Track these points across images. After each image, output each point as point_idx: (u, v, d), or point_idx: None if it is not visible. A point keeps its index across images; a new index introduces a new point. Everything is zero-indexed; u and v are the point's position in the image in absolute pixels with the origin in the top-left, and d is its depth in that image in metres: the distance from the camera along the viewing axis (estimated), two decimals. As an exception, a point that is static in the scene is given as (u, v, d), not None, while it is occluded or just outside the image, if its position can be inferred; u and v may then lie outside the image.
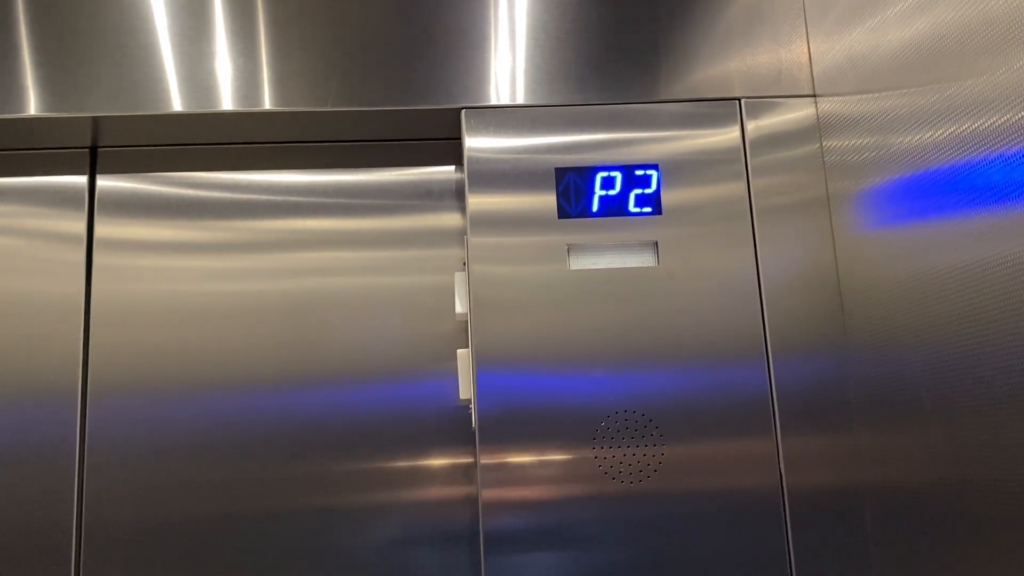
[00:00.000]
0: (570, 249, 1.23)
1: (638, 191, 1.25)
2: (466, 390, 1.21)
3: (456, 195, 1.36)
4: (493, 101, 1.26)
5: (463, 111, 1.26)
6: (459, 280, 1.26)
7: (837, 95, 1.21)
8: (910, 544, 1.07)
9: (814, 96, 1.28)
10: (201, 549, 1.23)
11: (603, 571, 1.14)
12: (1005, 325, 0.84)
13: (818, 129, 1.27)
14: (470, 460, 1.28)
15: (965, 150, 0.90)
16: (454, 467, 1.28)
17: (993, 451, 0.88)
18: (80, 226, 1.31)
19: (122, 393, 1.26)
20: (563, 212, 1.23)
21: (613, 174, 1.25)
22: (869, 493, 1.16)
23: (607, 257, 1.24)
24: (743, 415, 1.18)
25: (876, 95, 1.09)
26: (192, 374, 1.27)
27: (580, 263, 1.23)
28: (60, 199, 1.32)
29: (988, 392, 0.88)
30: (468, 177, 1.23)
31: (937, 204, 0.96)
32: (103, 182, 1.33)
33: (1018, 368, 0.83)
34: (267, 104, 1.25)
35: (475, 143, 1.24)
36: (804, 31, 1.30)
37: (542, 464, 1.16)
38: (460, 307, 1.24)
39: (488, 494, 1.15)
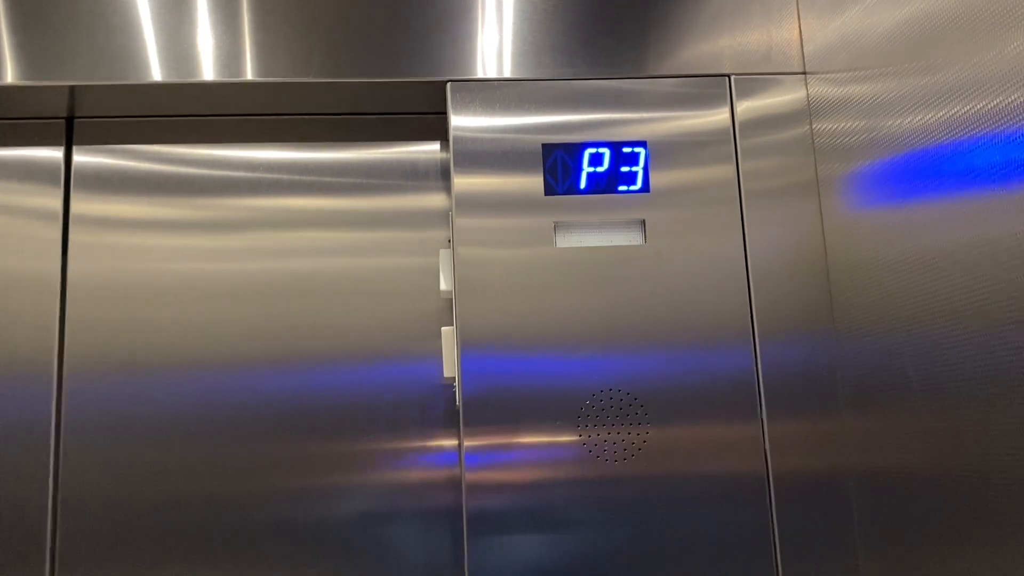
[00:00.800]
0: (557, 227, 1.22)
1: (626, 169, 1.23)
2: (450, 368, 1.20)
3: (441, 174, 1.35)
4: (479, 74, 1.24)
5: (448, 84, 1.24)
6: (444, 258, 1.24)
7: (827, 74, 1.20)
8: (895, 529, 1.06)
9: (804, 74, 1.27)
10: (179, 530, 1.21)
11: (587, 551, 1.13)
12: (995, 308, 0.84)
13: (808, 112, 1.26)
14: (454, 440, 1.26)
15: (955, 132, 0.90)
16: (438, 447, 1.27)
17: (981, 437, 0.87)
18: (56, 202, 1.28)
19: (99, 373, 1.24)
20: (550, 189, 1.22)
21: (601, 151, 1.23)
22: (855, 477, 1.16)
23: (594, 235, 1.22)
24: (729, 397, 1.17)
25: (867, 76, 1.08)
26: (171, 355, 1.25)
27: (567, 241, 1.22)
28: (35, 173, 1.29)
29: (977, 376, 0.87)
30: (454, 156, 1.21)
31: (927, 186, 0.96)
32: (80, 156, 1.30)
33: (1008, 352, 0.82)
34: (249, 75, 1.22)
35: (461, 121, 1.23)
36: (795, 9, 1.29)
37: (526, 443, 1.15)
38: (444, 285, 1.22)
39: (472, 474, 1.14)
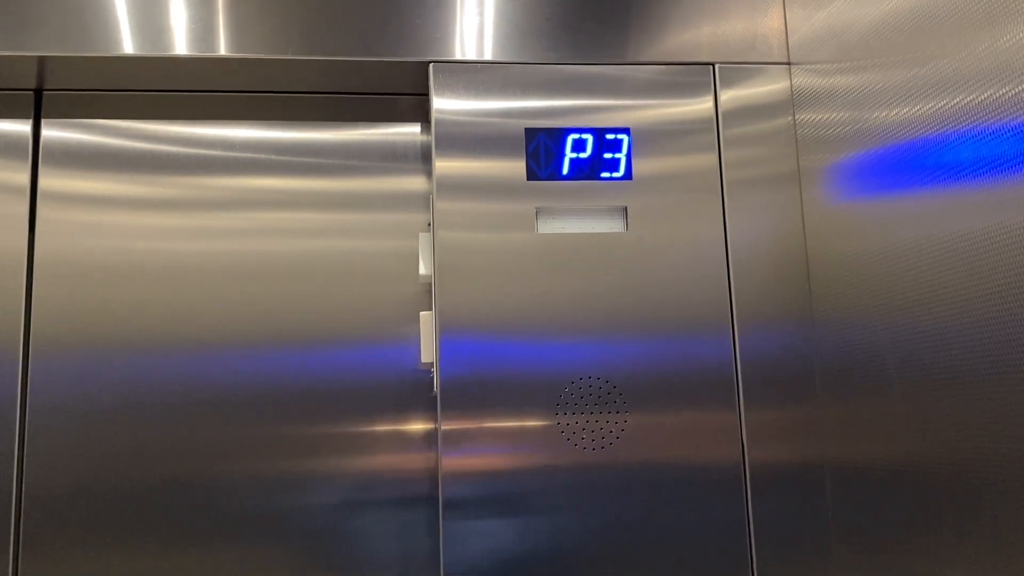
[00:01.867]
0: (538, 212, 1.21)
1: (609, 155, 1.22)
2: (428, 353, 1.18)
3: (421, 157, 1.33)
4: (463, 56, 1.22)
5: (431, 65, 1.22)
6: (423, 241, 1.23)
7: (812, 65, 1.20)
8: (869, 518, 1.08)
9: (788, 64, 1.27)
10: (149, 514, 1.19)
11: (564, 538, 1.13)
12: (974, 301, 0.84)
13: (792, 102, 1.26)
14: (431, 425, 1.25)
15: (941, 126, 0.90)
16: (414, 432, 1.25)
17: (957, 428, 0.88)
18: (23, 177, 1.24)
19: (66, 353, 1.21)
20: (532, 174, 1.21)
21: (584, 137, 1.22)
22: (830, 467, 1.16)
23: (576, 222, 1.21)
24: (707, 385, 1.18)
25: (852, 68, 1.08)
26: (140, 335, 1.22)
27: (549, 227, 1.21)
28: (1, 147, 1.25)
29: (955, 369, 0.88)
30: (435, 139, 1.20)
31: (907, 180, 0.96)
32: (48, 131, 1.26)
33: (987, 345, 0.83)
34: (222, 50, 1.19)
35: (443, 103, 1.21)
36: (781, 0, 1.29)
37: (504, 429, 1.15)
38: (424, 269, 1.21)
39: (448, 459, 1.13)
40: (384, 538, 1.23)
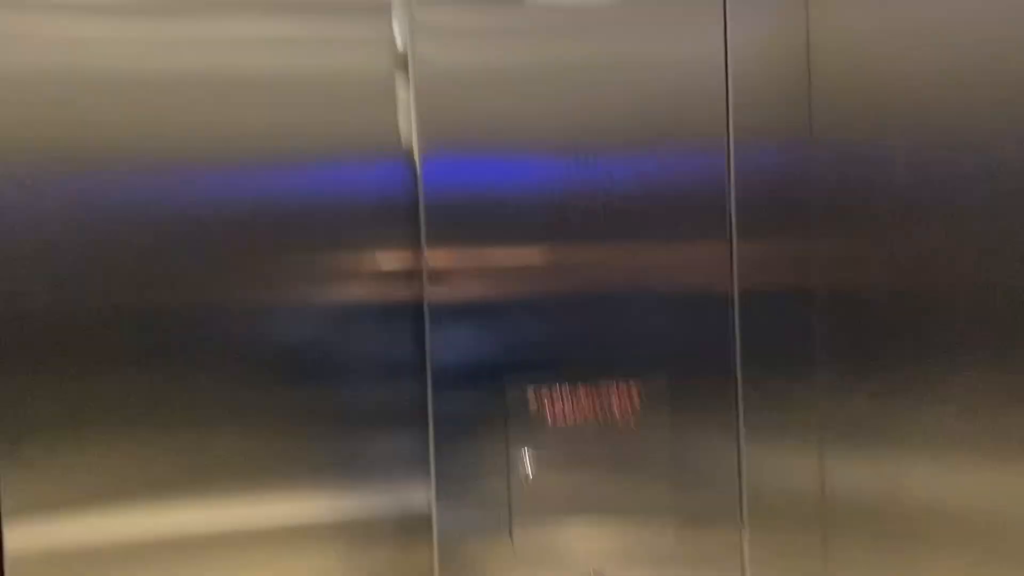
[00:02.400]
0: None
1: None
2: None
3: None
4: None
5: None
6: (397, 7, 1.12)
7: None
8: (856, 350, 1.07)
9: None
10: (114, 346, 1.09)
11: (550, 344, 1.14)
12: (996, 113, 0.79)
13: None
14: (415, 249, 1.20)
15: None
16: (400, 246, 1.20)
17: (961, 256, 0.87)
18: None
19: (20, 174, 1.06)
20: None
21: None
22: (820, 295, 1.13)
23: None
24: (698, 205, 1.15)
25: None
26: (105, 154, 1.09)
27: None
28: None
29: (967, 192, 0.85)
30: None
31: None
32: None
33: (1007, 165, 0.79)
34: None
35: None
36: None
37: (490, 252, 1.13)
38: (400, 43, 1.12)
39: (433, 287, 1.11)
40: (372, 348, 1.22)
